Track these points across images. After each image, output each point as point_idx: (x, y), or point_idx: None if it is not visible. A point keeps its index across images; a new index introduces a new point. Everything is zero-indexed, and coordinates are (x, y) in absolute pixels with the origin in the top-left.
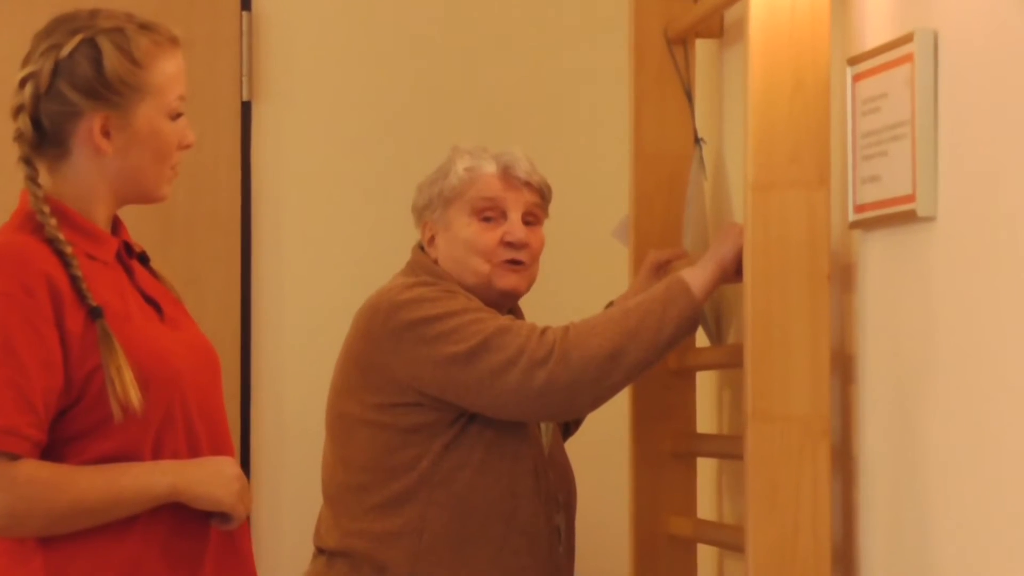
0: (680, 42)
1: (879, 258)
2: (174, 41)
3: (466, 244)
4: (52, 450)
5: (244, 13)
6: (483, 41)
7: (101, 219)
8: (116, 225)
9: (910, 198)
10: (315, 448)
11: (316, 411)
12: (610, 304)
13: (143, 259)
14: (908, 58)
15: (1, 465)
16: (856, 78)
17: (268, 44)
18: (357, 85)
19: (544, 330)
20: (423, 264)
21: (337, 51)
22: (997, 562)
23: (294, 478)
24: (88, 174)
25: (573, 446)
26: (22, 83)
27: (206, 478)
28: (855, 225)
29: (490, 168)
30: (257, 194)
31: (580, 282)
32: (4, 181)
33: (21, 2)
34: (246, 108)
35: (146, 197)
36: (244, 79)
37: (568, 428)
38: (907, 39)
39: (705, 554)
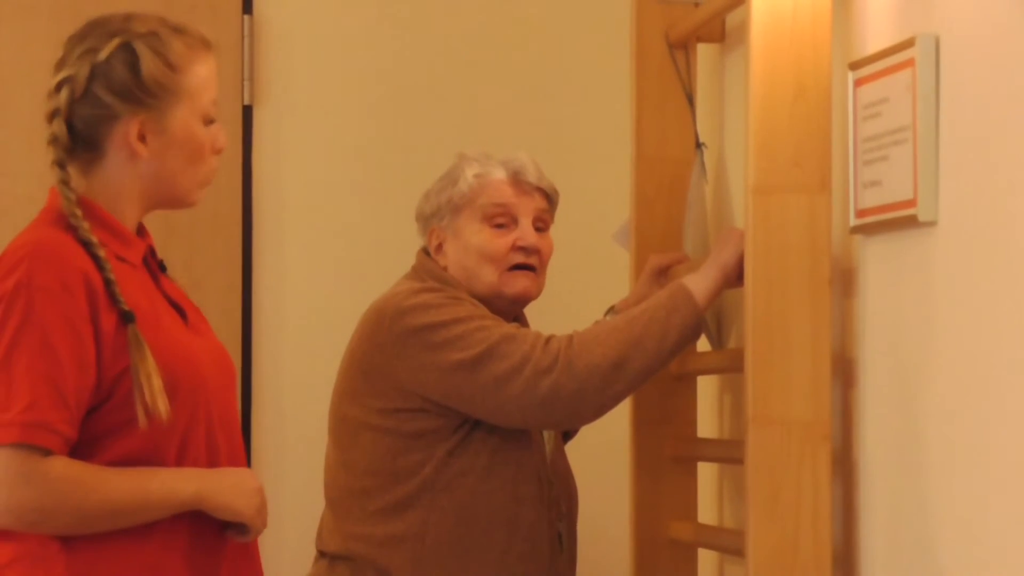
0: (681, 46)
1: (880, 263)
2: (207, 44)
3: (477, 251)
4: (78, 447)
5: (245, 17)
6: (484, 46)
7: (129, 222)
8: (141, 231)
9: (911, 203)
10: (316, 451)
11: (317, 414)
12: (611, 308)
13: (161, 267)
14: (909, 63)
15: (33, 460)
16: (857, 83)
17: (269, 48)
18: (357, 89)
19: (549, 339)
20: (429, 269)
21: (338, 55)
22: (997, 565)
23: (295, 480)
24: (121, 177)
25: (574, 451)
26: (58, 87)
27: (229, 488)
28: (856, 230)
29: (500, 174)
30: (258, 197)
31: (581, 286)
32: (6, 183)
33: (21, 3)
34: (247, 112)
35: (177, 202)
36: (245, 83)
37: (567, 432)
38: (908, 44)
39: (706, 559)
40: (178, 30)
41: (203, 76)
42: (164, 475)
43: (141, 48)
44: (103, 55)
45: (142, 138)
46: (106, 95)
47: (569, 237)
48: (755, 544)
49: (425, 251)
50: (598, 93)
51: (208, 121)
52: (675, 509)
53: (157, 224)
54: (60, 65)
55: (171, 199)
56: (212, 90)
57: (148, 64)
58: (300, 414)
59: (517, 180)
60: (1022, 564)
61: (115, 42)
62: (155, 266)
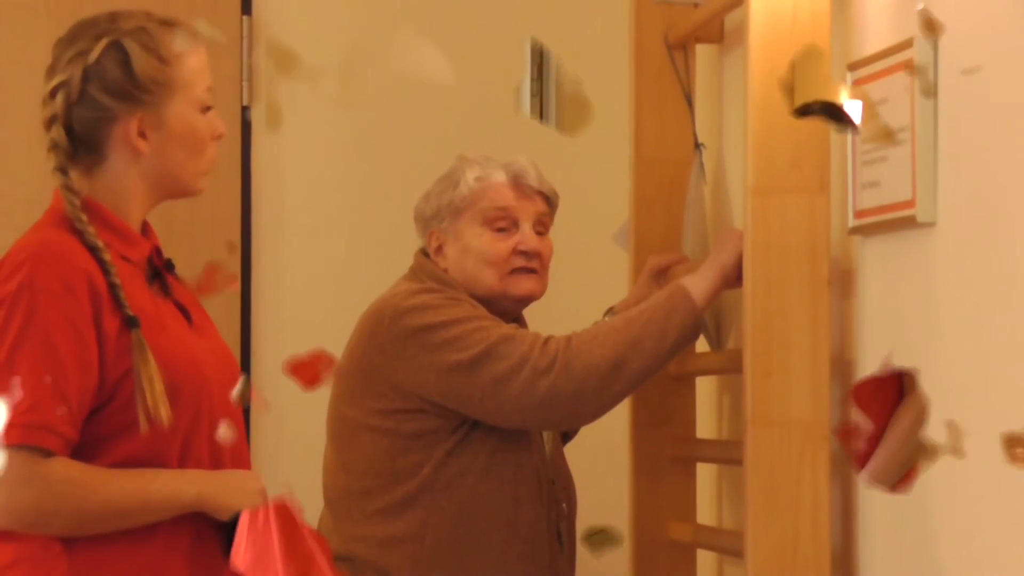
0: (680, 47)
1: (879, 263)
2: (195, 34)
3: (478, 254)
4: (80, 449)
5: (245, 17)
6: (483, 46)
7: (134, 221)
8: (145, 230)
9: (910, 203)
10: (316, 451)
11: (317, 414)
12: (610, 309)
13: (169, 267)
14: (908, 63)
15: (34, 461)
16: (856, 83)
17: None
18: (357, 89)
19: (547, 339)
20: (428, 270)
21: (337, 55)
22: (997, 565)
23: (294, 481)
24: (125, 176)
25: (573, 452)
26: (52, 93)
27: (231, 490)
28: (855, 231)
29: (500, 177)
30: (257, 198)
31: (581, 287)
32: (6, 185)
33: (21, 3)
34: (247, 112)
35: (184, 192)
36: (244, 83)
37: (567, 433)
38: (907, 44)
39: (705, 559)
40: (165, 23)
41: (195, 66)
42: (166, 477)
43: (131, 45)
44: (94, 56)
45: (142, 135)
46: (102, 96)
47: (569, 238)
48: (754, 545)
49: (424, 252)
50: (597, 94)
51: (204, 109)
52: (674, 510)
53: (156, 224)
54: (51, 71)
55: (177, 191)
56: (206, 78)
57: (140, 61)
58: (300, 414)
59: (518, 183)
60: (1022, 564)
61: (104, 42)
62: (161, 266)
